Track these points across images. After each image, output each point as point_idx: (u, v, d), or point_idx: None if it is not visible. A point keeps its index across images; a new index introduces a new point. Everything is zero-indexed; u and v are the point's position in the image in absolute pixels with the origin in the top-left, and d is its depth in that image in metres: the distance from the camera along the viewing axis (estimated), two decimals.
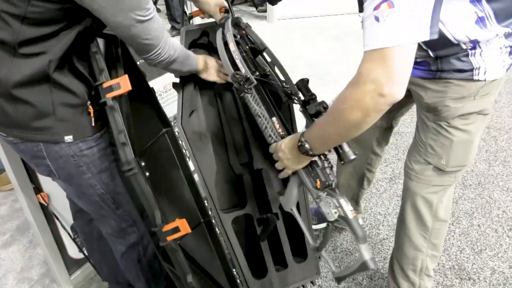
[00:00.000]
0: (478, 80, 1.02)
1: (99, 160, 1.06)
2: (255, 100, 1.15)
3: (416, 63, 1.06)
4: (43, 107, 0.93)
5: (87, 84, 1.00)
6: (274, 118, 1.14)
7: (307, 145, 0.96)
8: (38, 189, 1.43)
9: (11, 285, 1.73)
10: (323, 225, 1.86)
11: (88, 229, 1.39)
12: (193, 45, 1.37)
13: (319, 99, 1.07)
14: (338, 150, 0.99)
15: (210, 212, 1.32)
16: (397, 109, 1.42)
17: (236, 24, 1.28)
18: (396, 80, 0.76)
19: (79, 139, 0.99)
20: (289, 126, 1.21)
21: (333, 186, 1.01)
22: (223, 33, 1.19)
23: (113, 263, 1.43)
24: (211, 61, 1.25)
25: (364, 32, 0.77)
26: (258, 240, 1.36)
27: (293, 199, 1.13)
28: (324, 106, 1.03)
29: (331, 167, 1.03)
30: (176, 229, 1.01)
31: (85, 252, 1.61)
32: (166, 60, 1.03)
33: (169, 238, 1.01)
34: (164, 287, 1.38)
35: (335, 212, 0.97)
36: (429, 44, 1.01)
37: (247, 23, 1.33)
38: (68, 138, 0.98)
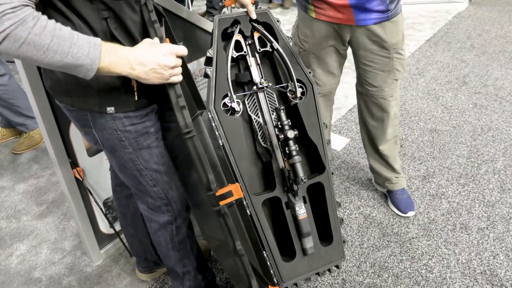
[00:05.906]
0: (400, 12, 1.53)
1: (141, 137, 1.09)
2: (252, 111, 1.40)
3: (374, 10, 1.45)
4: None
5: None
6: (266, 126, 1.38)
7: None
8: (74, 163, 1.48)
9: (45, 254, 1.81)
10: None
11: (125, 203, 1.43)
12: (224, 34, 1.37)
13: None
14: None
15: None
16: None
17: (254, 21, 1.38)
18: None
19: (120, 111, 1.02)
20: (312, 118, 1.39)
21: (297, 193, 1.34)
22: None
23: (144, 240, 1.47)
24: (149, 51, 0.89)
25: None
26: (286, 223, 1.39)
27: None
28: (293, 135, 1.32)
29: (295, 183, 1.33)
30: (229, 193, 1.03)
31: (116, 228, 1.66)
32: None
33: (222, 203, 1.04)
34: (193, 267, 1.41)
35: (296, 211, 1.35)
36: None
37: (276, 19, 1.41)
38: (110, 110, 1.00)
